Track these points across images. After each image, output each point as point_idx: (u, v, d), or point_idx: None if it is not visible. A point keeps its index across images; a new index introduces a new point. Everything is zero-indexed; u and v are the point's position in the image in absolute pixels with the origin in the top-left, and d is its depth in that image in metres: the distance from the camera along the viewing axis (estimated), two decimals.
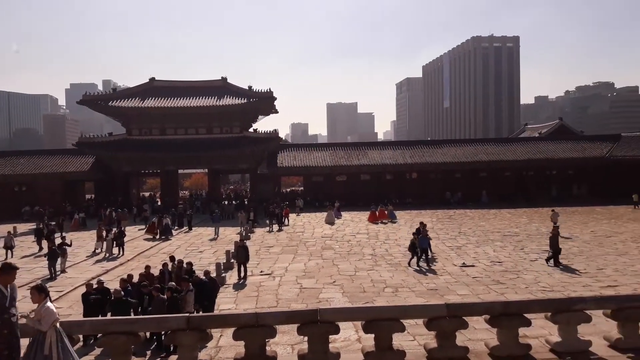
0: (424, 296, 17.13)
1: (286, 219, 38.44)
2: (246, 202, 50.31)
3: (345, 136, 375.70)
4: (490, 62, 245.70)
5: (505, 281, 19.06)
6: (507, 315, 8.40)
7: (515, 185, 53.65)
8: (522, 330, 8.84)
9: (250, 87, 51.57)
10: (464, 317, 8.51)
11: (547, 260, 21.93)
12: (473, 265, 21.98)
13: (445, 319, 8.39)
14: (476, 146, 57.71)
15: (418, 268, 21.59)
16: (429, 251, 23.22)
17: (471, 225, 35.65)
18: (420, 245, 22.26)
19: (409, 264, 22.18)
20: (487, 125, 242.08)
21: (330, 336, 8.44)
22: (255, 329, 8.09)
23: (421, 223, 25.72)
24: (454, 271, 21.02)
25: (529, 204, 47.30)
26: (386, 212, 39.59)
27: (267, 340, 8.53)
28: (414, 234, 23.11)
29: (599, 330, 10.05)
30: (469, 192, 52.41)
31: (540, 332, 11.02)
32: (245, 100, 50.60)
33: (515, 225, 35.02)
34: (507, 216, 40.33)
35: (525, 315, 8.61)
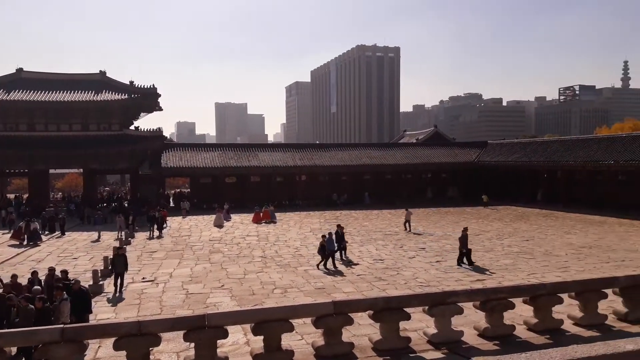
0: (312, 295, 17.45)
1: (165, 223, 36.17)
2: (126, 205, 47.46)
3: (235, 137, 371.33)
4: (373, 71, 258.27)
5: (387, 278, 20.09)
6: (388, 310, 8.85)
7: (396, 187, 56.86)
8: (402, 324, 9.36)
9: (132, 83, 48.89)
10: (349, 314, 8.82)
11: (459, 260, 22.63)
12: (357, 264, 22.87)
13: (332, 317, 8.62)
14: (361, 150, 60.23)
15: (327, 270, 21.76)
16: (344, 253, 24.10)
17: (356, 225, 37.07)
18: (328, 248, 22.47)
19: (317, 266, 22.21)
20: (371, 131, 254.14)
21: (218, 341, 8.27)
22: (137, 338, 7.66)
23: (339, 226, 25.74)
24: (340, 270, 21.70)
25: (408, 205, 50.33)
26: (269, 212, 40.19)
27: (150, 349, 8.12)
28: (323, 236, 23.18)
29: (470, 320, 10.96)
30: (354, 194, 54.57)
31: (419, 325, 11.76)
32: (126, 96, 47.85)
33: (395, 225, 37.03)
34: (387, 216, 42.54)
35: (406, 309, 9.13)
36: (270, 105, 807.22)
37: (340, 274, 21.02)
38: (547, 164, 50.14)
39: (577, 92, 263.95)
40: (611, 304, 11.06)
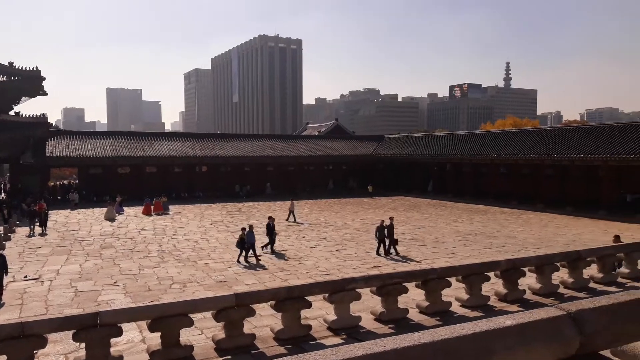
0: (213, 289, 17.12)
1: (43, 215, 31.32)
2: (3, 197, 43.14)
3: (129, 125, 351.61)
4: (276, 62, 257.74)
5: (289, 268, 20.28)
6: (290, 300, 8.95)
7: (299, 178, 57.49)
8: (304, 313, 9.52)
9: (11, 64, 44.30)
10: (251, 305, 8.79)
11: (388, 251, 22.98)
12: (260, 255, 22.81)
13: (234, 309, 8.53)
14: (264, 141, 60.01)
15: (247, 264, 21.27)
16: (272, 246, 23.72)
17: (259, 217, 36.89)
18: (248, 241, 21.98)
19: (238, 260, 21.63)
20: (274, 122, 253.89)
21: (112, 340, 7.84)
22: (20, 341, 7.03)
23: (270, 217, 25.16)
24: (242, 262, 21.50)
25: (311, 196, 51.27)
26: (161, 203, 38.90)
27: (35, 351, 7.50)
28: (242, 229, 22.51)
29: (367, 306, 11.41)
30: (257, 185, 54.30)
31: (320, 312, 12.02)
32: (5, 78, 43.31)
33: (297, 215, 37.42)
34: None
35: (307, 297, 9.29)
36: (168, 92, 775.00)
37: (263, 267, 20.73)
38: (437, 157, 53.45)
39: (465, 90, 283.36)
40: (493, 286, 12.10)
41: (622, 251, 13.18)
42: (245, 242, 21.66)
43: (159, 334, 8.16)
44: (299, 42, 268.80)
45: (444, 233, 29.30)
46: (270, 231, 23.89)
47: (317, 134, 71.43)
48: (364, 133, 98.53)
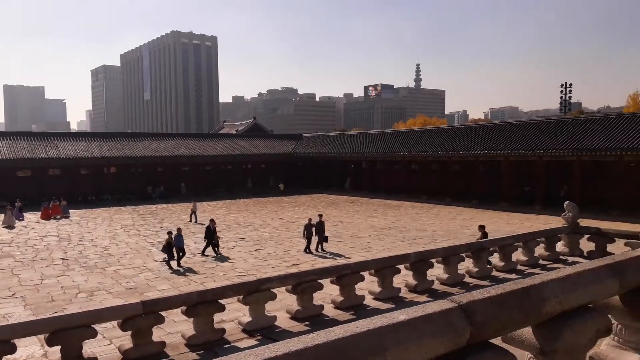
0: (123, 296, 16.25)
1: None
2: None
3: (29, 124, 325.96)
4: (190, 59, 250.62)
5: (205, 271, 19.74)
6: (203, 304, 8.69)
7: (216, 178, 56.30)
8: (218, 316, 9.29)
9: None
10: (160, 312, 8.42)
11: (317, 247, 22.95)
12: (173, 259, 22.03)
13: (141, 317, 8.13)
14: (178, 141, 58.11)
15: (179, 269, 20.19)
16: (216, 248, 22.64)
17: (173, 219, 35.69)
18: (177, 245, 20.87)
19: (169, 265, 20.47)
20: (189, 121, 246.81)
21: (4, 357, 7.17)
22: None
23: (211, 220, 24.08)
24: (154, 267, 20.63)
25: (229, 196, 50.43)
26: (60, 207, 36.72)
27: None
28: (169, 233, 21.28)
29: (284, 305, 11.36)
30: (171, 187, 52.46)
31: (236, 314, 11.81)
32: None
33: (215, 216, 36.60)
34: (208, 208, 41.88)
35: (220, 301, 9.07)
36: (73, 90, 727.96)
37: (194, 272, 19.83)
38: (353, 155, 54.69)
39: (379, 91, 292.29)
40: (405, 278, 12.53)
41: (521, 240, 14.17)
42: (174, 246, 20.69)
43: (58, 347, 7.59)
44: (214, 39, 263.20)
45: (360, 228, 29.99)
46: (211, 234, 22.98)
47: (234, 132, 70.38)
48: (283, 132, 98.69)
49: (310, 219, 23.98)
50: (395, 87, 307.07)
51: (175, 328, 11.60)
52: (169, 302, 8.64)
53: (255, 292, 9.25)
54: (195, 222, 33.09)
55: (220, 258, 22.17)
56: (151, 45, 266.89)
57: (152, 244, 25.89)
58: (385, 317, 2.38)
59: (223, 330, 9.05)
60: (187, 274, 19.48)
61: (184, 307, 8.80)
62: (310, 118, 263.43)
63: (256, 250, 23.79)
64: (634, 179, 34.88)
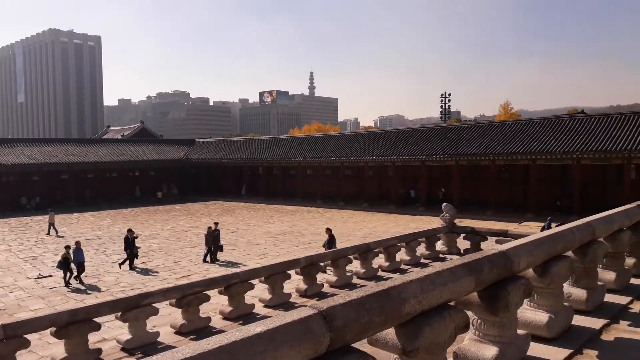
0: None
1: None
2: None
3: None
4: (71, 59, 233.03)
5: (85, 287, 18.35)
6: (74, 324, 7.99)
7: (100, 186, 52.72)
8: (100, 334, 8.60)
9: None
10: (26, 336, 7.60)
11: (205, 257, 22.25)
12: (50, 275, 20.20)
13: (2, 342, 7.28)
14: (56, 146, 53.55)
15: (80, 286, 18.09)
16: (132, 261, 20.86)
17: (50, 231, 32.79)
18: (76, 260, 18.69)
19: (67, 283, 18.27)
20: (69, 125, 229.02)
21: None
22: None
23: (129, 230, 22.15)
24: (28, 285, 18.75)
25: (115, 206, 47.43)
26: None
27: None
28: (66, 247, 18.98)
29: (170, 319, 10.82)
30: (49, 196, 48.15)
31: (116, 332, 11.04)
32: None
33: (98, 227, 34.29)
34: (90, 219, 39.09)
35: (96, 319, 8.41)
36: None
37: (97, 289, 18.02)
38: (249, 160, 54.24)
39: (274, 97, 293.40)
40: (298, 283, 12.58)
41: (403, 240, 14.87)
42: (72, 262, 18.88)
43: None
44: (97, 39, 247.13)
45: (256, 235, 29.75)
46: (130, 245, 21.37)
47: (120, 137, 66.45)
48: (175, 137, 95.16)
49: (210, 228, 23.34)
50: (290, 93, 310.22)
51: (48, 351, 10.58)
52: (35, 324, 7.82)
53: (134, 307, 8.70)
54: (56, 234, 30.77)
55: (142, 271, 20.97)
56: (25, 43, 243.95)
57: (25, 259, 23.54)
58: (241, 330, 2.29)
59: (99, 351, 8.39)
60: (89, 291, 17.98)
61: (53, 329, 8.03)
62: (204, 123, 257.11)
63: (143, 263, 22.55)
64: (505, 182, 38.43)
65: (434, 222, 30.33)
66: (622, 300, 5.96)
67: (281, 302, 11.03)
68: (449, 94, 78.25)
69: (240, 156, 55.38)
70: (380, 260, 15.07)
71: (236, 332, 2.25)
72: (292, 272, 11.84)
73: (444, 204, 19.02)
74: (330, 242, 18.47)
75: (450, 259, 16.52)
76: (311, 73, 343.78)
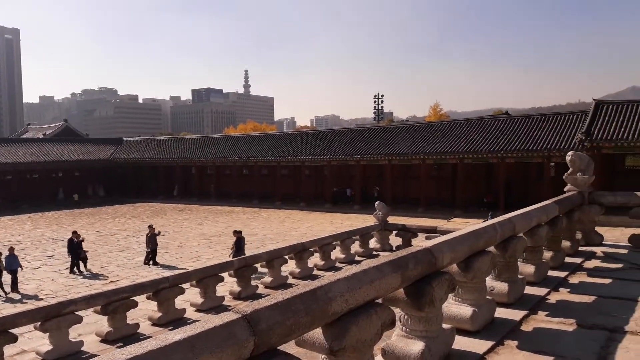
0: None
1: None
2: None
3: None
4: None
5: (2, 295, 17.11)
6: None
7: (20, 189, 49.40)
8: (13, 348, 8.02)
9: None
10: None
11: (146, 260, 21.41)
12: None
13: None
14: None
15: (13, 294, 16.50)
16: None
17: None
18: (8, 267, 17.03)
19: (3, 291, 16.60)
20: None
21: None
22: None
23: (74, 232, 21.05)
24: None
25: (36, 209, 44.64)
26: None
27: None
28: None
29: (96, 327, 10.29)
30: None
31: (37, 343, 10.35)
32: None
33: (18, 232, 32.16)
34: (9, 223, 36.57)
35: (13, 330, 7.84)
36: None
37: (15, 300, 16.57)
38: (181, 160, 52.79)
39: (207, 95, 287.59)
40: (232, 286, 12.35)
41: (338, 239, 15.01)
42: (4, 269, 17.52)
43: None
44: (15, 32, 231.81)
45: (189, 237, 29.00)
46: (74, 249, 20.17)
47: (41, 136, 62.54)
48: (101, 136, 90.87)
49: (151, 228, 22.43)
50: (224, 91, 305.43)
51: None
52: None
53: (55, 316, 8.19)
54: None
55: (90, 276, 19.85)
56: None
57: None
58: (159, 339, 2.18)
59: None
60: (24, 300, 16.65)
61: None
62: (133, 121, 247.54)
63: (67, 269, 21.34)
64: (435, 180, 39.85)
65: (368, 220, 30.82)
66: (541, 291, 6.30)
67: (214, 306, 10.79)
68: (382, 95, 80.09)
69: (172, 156, 53.80)
70: (316, 259, 15.13)
71: (153, 341, 2.14)
72: (225, 274, 11.63)
73: (377, 203, 19.41)
74: (238, 244, 18.02)
75: (383, 255, 16.90)
76: (246, 71, 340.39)
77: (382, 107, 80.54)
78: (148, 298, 10.00)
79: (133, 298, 9.36)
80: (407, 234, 18.42)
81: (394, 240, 19.75)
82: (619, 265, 7.54)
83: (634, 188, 10.69)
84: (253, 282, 11.66)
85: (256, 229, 31.81)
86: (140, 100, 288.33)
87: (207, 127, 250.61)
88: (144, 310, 11.11)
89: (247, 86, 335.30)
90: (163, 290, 9.75)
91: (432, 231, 17.54)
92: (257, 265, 12.43)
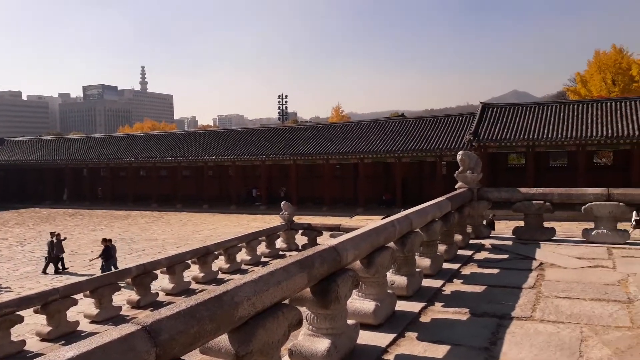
0: None
1: None
2: None
3: None
4: None
5: None
6: None
7: None
8: None
9: None
10: None
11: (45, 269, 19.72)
12: None
13: None
14: None
15: None
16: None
17: None
18: None
19: None
20: None
21: None
22: None
23: (52, 233, 19.65)
24: None
25: None
26: None
27: None
28: None
29: None
30: None
31: None
32: None
33: None
34: None
35: None
36: None
37: None
38: (72, 162, 49.14)
39: (100, 92, 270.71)
40: (130, 294, 11.69)
41: (244, 241, 14.83)
42: None
43: None
44: None
45: (81, 244, 27.12)
46: (53, 250, 18.67)
47: None
48: None
49: (56, 234, 20.60)
50: (119, 88, 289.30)
51: None
52: None
53: None
54: None
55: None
56: None
57: None
58: (48, 357, 1.99)
59: None
60: None
61: None
62: (16, 120, 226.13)
63: None
64: (339, 179, 40.85)
65: (275, 221, 30.83)
66: (437, 283, 6.68)
67: (110, 316, 10.15)
68: (286, 96, 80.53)
69: (61, 157, 49.89)
70: (220, 263, 14.81)
71: (43, 358, 1.94)
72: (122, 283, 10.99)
73: (283, 203, 19.47)
74: (106, 253, 17.17)
75: (290, 255, 16.99)
76: (143, 67, 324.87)
77: (286, 107, 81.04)
78: (36, 312, 9.17)
79: (18, 312, 8.53)
80: (313, 232, 18.68)
81: (300, 239, 19.92)
82: (505, 256, 8.21)
83: (516, 184, 11.76)
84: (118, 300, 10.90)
85: (155, 233, 30.50)
86: (24, 97, 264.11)
87: (100, 126, 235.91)
88: (31, 325, 10.20)
89: (144, 83, 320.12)
90: (53, 303, 8.99)
91: (336, 229, 17.94)
92: (157, 271, 11.87)
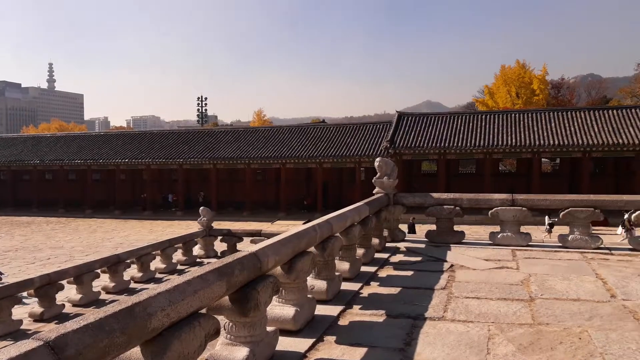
0: None
1: None
2: None
3: None
4: None
5: None
6: None
7: None
8: None
9: None
10: None
11: None
12: None
13: None
14: None
15: None
16: None
17: None
18: None
19: None
20: None
21: None
22: None
23: None
24: None
25: None
26: None
27: None
28: None
29: None
30: None
31: None
32: None
33: None
34: None
35: None
36: None
37: None
38: None
39: (1, 89, 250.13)
40: (33, 306, 10.83)
41: (158, 248, 14.27)
42: None
43: None
44: None
45: None
46: None
47: None
48: None
49: None
50: (23, 86, 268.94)
51: None
52: None
53: None
54: None
55: None
56: None
57: None
58: None
59: None
60: None
61: None
62: None
63: None
64: (260, 184, 40.55)
65: (192, 227, 30.02)
66: (355, 286, 6.80)
67: (10, 331, 9.33)
68: (206, 98, 78.80)
69: None
70: (133, 272, 14.13)
71: None
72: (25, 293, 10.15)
73: (201, 208, 18.97)
74: None
75: (208, 262, 16.56)
76: (50, 64, 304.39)
77: (206, 110, 79.28)
78: None
79: None
80: (233, 238, 18.36)
81: (220, 245, 19.50)
82: (419, 258, 8.55)
83: (429, 189, 12.31)
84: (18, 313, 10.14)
85: (62, 240, 28.61)
86: None
87: (1, 126, 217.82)
88: None
89: (51, 81, 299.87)
90: None
91: (257, 235, 17.77)
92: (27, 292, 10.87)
